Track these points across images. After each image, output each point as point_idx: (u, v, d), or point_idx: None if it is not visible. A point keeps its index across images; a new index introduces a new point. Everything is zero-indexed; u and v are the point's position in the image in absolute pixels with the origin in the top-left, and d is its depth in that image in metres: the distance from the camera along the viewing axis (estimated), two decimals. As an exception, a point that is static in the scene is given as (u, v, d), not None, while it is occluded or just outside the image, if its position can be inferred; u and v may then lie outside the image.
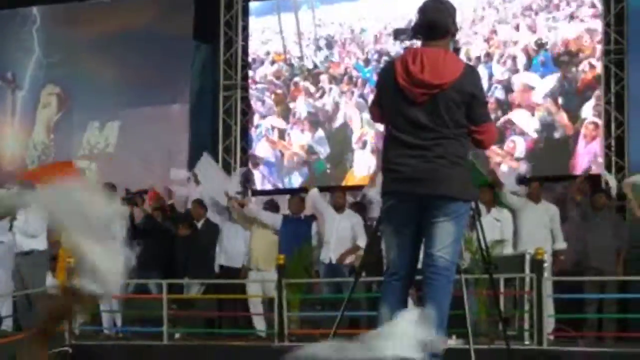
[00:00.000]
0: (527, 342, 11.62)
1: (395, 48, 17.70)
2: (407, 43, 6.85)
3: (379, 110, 6.83)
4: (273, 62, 19.27)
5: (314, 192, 14.69)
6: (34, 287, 13.76)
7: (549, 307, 11.78)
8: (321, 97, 18.74)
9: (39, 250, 14.03)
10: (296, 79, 18.98)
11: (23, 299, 14.14)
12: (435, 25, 6.57)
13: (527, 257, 11.88)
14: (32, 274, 13.97)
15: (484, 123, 6.50)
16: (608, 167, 16.16)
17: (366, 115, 17.71)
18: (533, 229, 13.16)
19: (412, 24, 6.72)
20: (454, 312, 7.68)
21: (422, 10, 6.66)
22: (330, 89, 18.69)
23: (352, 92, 18.49)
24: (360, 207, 14.36)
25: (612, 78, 16.46)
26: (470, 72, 6.57)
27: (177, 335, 13.66)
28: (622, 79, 16.39)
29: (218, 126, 19.54)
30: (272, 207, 15.03)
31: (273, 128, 19.08)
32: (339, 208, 14.10)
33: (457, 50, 6.90)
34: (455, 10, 6.77)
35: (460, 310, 7.80)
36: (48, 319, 2.65)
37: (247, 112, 19.28)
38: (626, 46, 16.38)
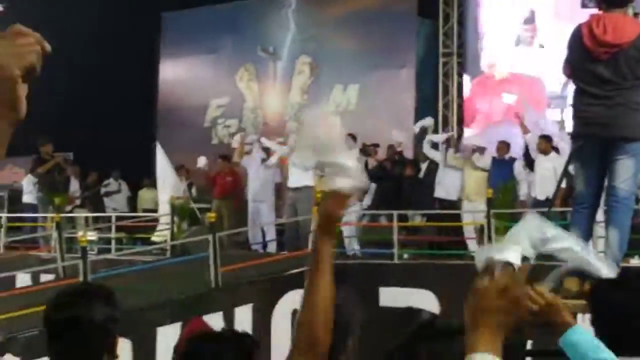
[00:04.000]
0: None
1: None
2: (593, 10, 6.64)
3: (569, 67, 6.74)
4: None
5: (528, 136, 14.43)
6: (304, 215, 13.97)
7: None
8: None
9: (308, 185, 14.22)
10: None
11: (293, 226, 14.47)
12: None
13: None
14: (304, 206, 14.10)
15: (657, 74, 6.32)
16: None
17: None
18: None
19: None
20: (635, 235, 7.51)
21: None
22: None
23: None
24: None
25: None
26: (646, 32, 6.40)
27: (405, 256, 13.74)
28: None
29: (438, 86, 19.49)
30: (480, 149, 14.86)
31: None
32: (542, 152, 13.86)
33: (635, 15, 6.72)
34: (635, -19, 6.58)
35: (640, 234, 7.60)
36: (322, 221, 2.59)
37: (462, 74, 19.16)
38: None
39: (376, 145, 15.99)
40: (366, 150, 15.43)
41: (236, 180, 16.26)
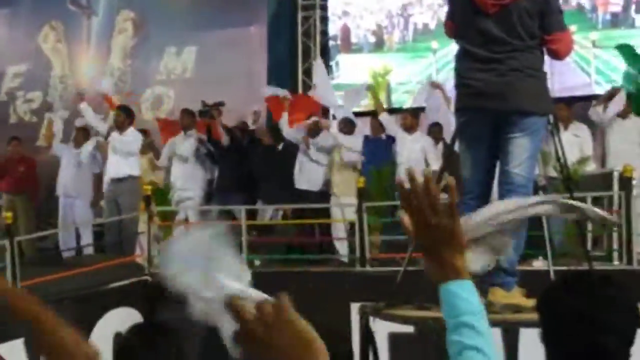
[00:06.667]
0: (616, 263, 11.37)
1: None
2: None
3: (452, 24, 6.78)
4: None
5: (384, 115, 14.52)
6: (128, 213, 13.89)
7: (639, 226, 11.47)
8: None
9: (133, 175, 14.11)
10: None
11: (115, 224, 14.22)
12: None
13: (615, 175, 11.60)
14: (126, 201, 13.97)
15: (557, 32, 6.39)
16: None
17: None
18: (621, 145, 12.93)
19: None
20: (537, 232, 7.60)
21: None
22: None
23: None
24: (440, 129, 14.11)
25: None
26: (545, -23, 6.45)
27: (256, 263, 13.64)
28: None
29: (297, 48, 19.44)
30: (348, 125, 14.83)
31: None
32: (408, 129, 13.94)
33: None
34: None
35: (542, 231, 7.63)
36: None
37: (327, 32, 19.16)
38: None
39: (220, 104, 15.61)
40: (206, 112, 15.09)
41: (31, 170, 15.96)
